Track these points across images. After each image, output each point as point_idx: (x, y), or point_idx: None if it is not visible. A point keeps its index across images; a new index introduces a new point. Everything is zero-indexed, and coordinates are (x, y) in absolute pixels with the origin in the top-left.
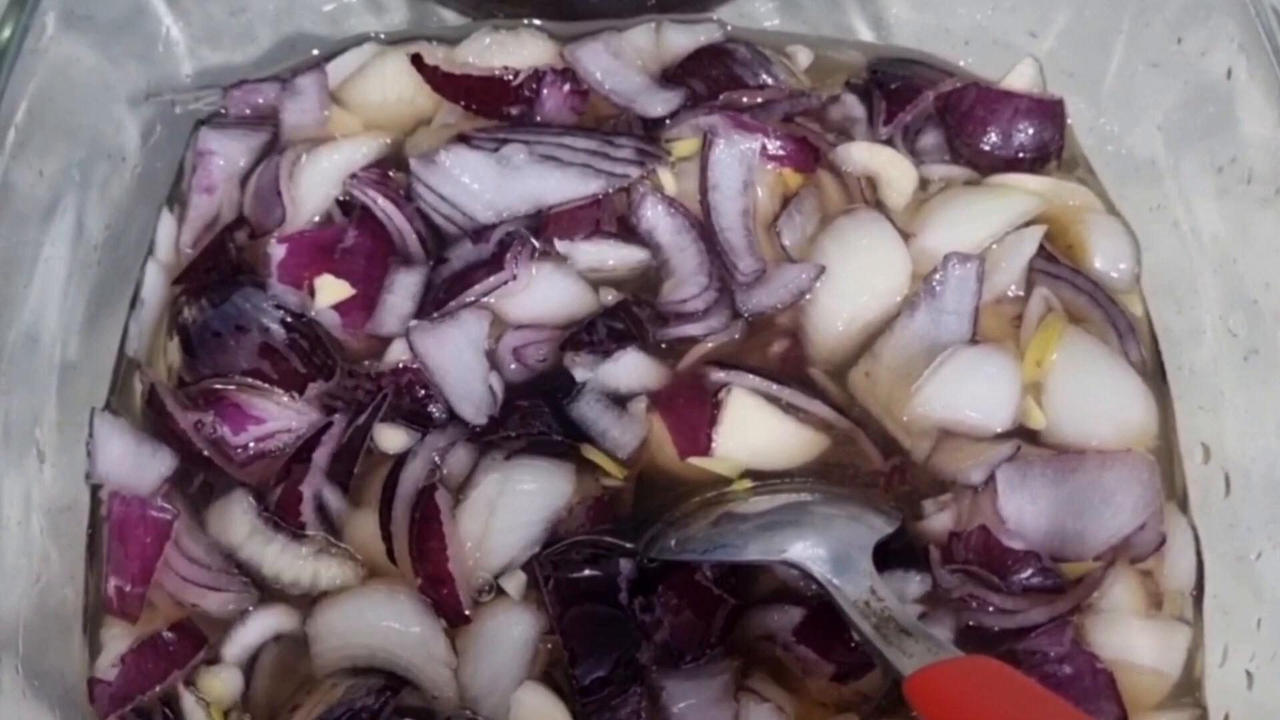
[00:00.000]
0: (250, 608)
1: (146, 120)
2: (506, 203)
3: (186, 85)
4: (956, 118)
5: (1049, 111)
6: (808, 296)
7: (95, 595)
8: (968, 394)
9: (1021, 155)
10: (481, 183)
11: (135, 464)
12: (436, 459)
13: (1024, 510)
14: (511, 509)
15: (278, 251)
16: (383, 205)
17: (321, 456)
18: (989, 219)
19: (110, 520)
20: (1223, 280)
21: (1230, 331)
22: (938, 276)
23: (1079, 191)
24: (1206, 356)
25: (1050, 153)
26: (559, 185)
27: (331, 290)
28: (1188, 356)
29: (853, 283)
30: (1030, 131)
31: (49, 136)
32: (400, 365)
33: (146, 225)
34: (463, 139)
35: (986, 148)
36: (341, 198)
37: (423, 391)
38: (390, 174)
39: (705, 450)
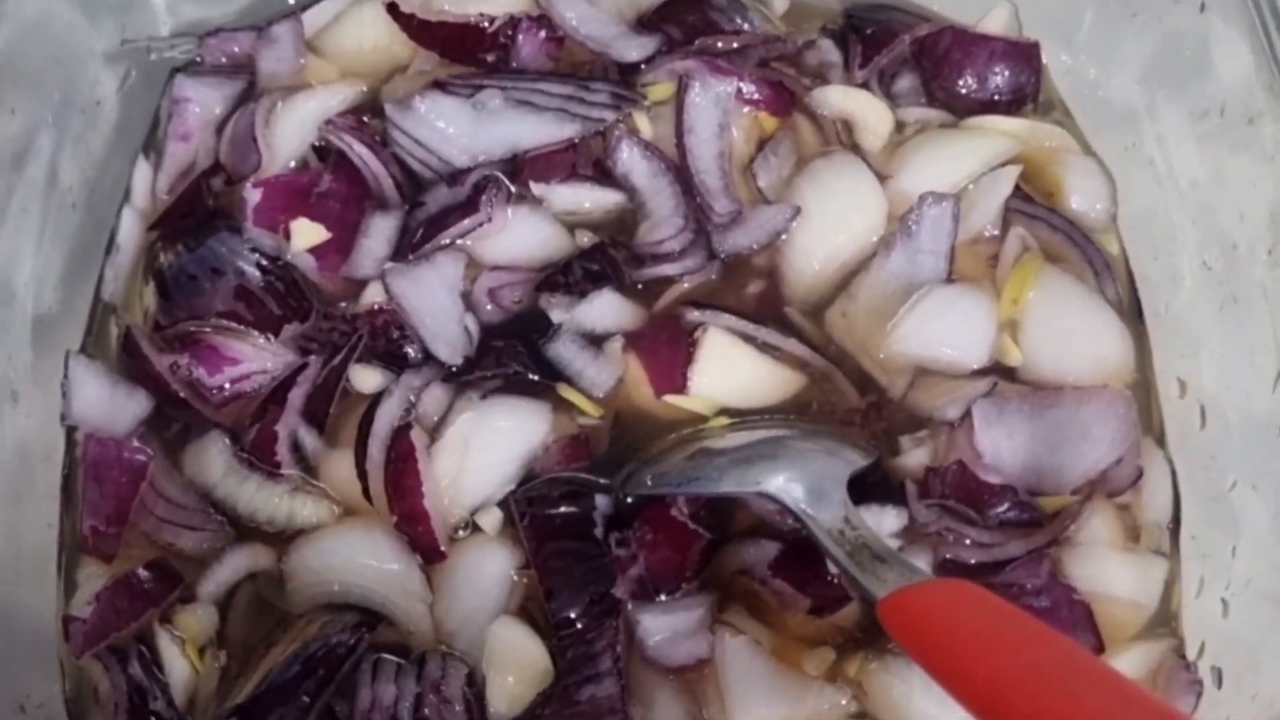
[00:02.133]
0: (226, 546)
1: (122, 69)
2: (482, 147)
3: (163, 35)
4: (932, 61)
5: (1024, 54)
6: (784, 237)
7: (71, 536)
8: (944, 331)
9: (997, 98)
10: (457, 127)
11: (110, 406)
12: (412, 398)
13: (1000, 445)
14: (487, 447)
15: (253, 196)
16: (358, 150)
17: (297, 397)
18: (965, 160)
19: (85, 462)
20: (1200, 220)
21: (1206, 266)
22: (913, 216)
23: (1055, 133)
24: (1184, 298)
25: (1026, 95)
26: (534, 129)
27: (307, 234)
28: (1165, 299)
29: (829, 223)
30: (1006, 74)
31: (23, 86)
32: (376, 307)
33: (122, 173)
34: (439, 85)
35: (962, 90)
36: (317, 144)
37: (398, 333)
38: (366, 120)
39: (681, 389)
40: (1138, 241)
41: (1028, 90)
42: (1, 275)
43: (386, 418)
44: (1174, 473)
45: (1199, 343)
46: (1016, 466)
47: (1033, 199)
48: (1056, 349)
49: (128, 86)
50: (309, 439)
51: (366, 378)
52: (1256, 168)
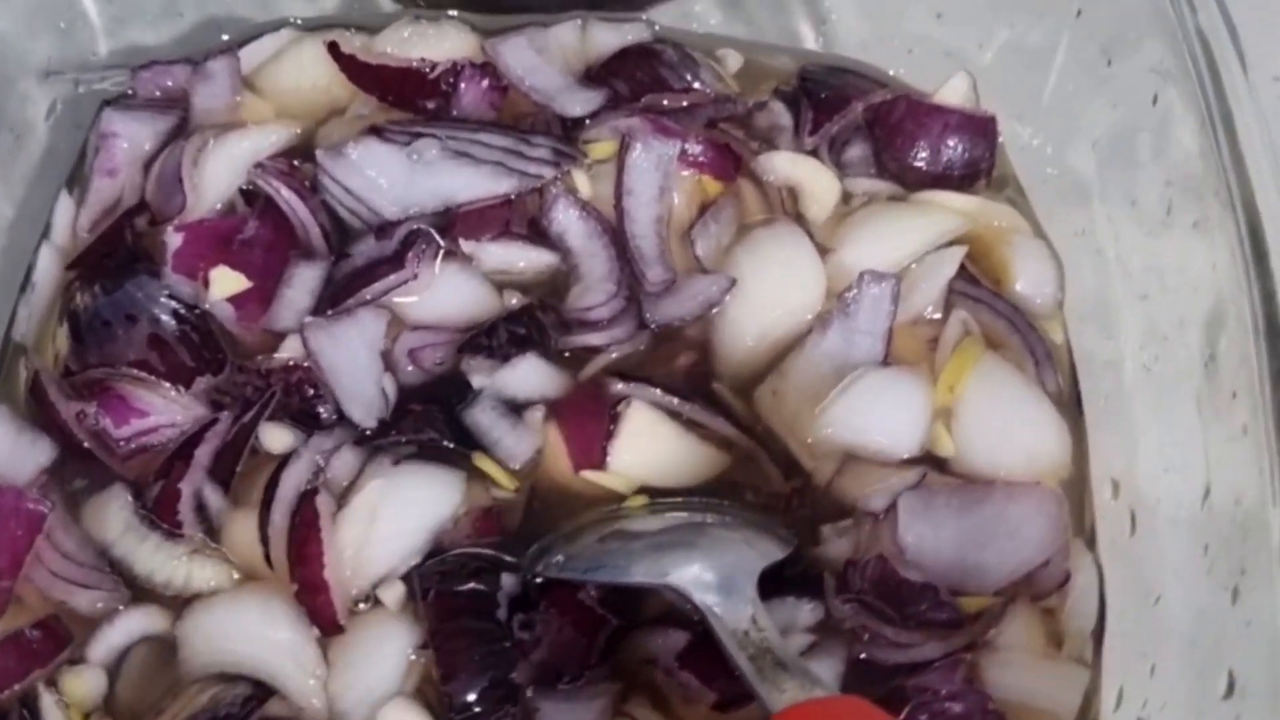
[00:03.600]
0: (120, 607)
1: (51, 98)
2: (415, 199)
3: (95, 64)
4: (885, 130)
5: (980, 128)
6: (716, 309)
7: None
8: (875, 417)
9: (950, 172)
10: (390, 178)
11: (13, 453)
12: (320, 461)
13: (924, 540)
14: (395, 517)
15: (174, 240)
16: (286, 196)
17: (204, 454)
18: (910, 237)
19: None
20: (1143, 318)
21: (1145, 367)
22: (852, 294)
23: (1006, 213)
24: (1124, 395)
25: (980, 171)
26: (470, 183)
27: (227, 282)
28: (1105, 393)
29: (765, 297)
30: (960, 148)
31: None
32: (291, 363)
33: (44, 206)
34: (375, 131)
35: (914, 163)
36: (245, 187)
37: (312, 391)
38: (297, 164)
39: (600, 464)
40: (1083, 331)
41: (982, 165)
42: None
43: (292, 481)
44: (1101, 578)
45: (1135, 444)
46: (940, 564)
47: (978, 281)
48: (991, 441)
49: (55, 117)
50: (213, 498)
51: (276, 437)
52: (1198, 272)
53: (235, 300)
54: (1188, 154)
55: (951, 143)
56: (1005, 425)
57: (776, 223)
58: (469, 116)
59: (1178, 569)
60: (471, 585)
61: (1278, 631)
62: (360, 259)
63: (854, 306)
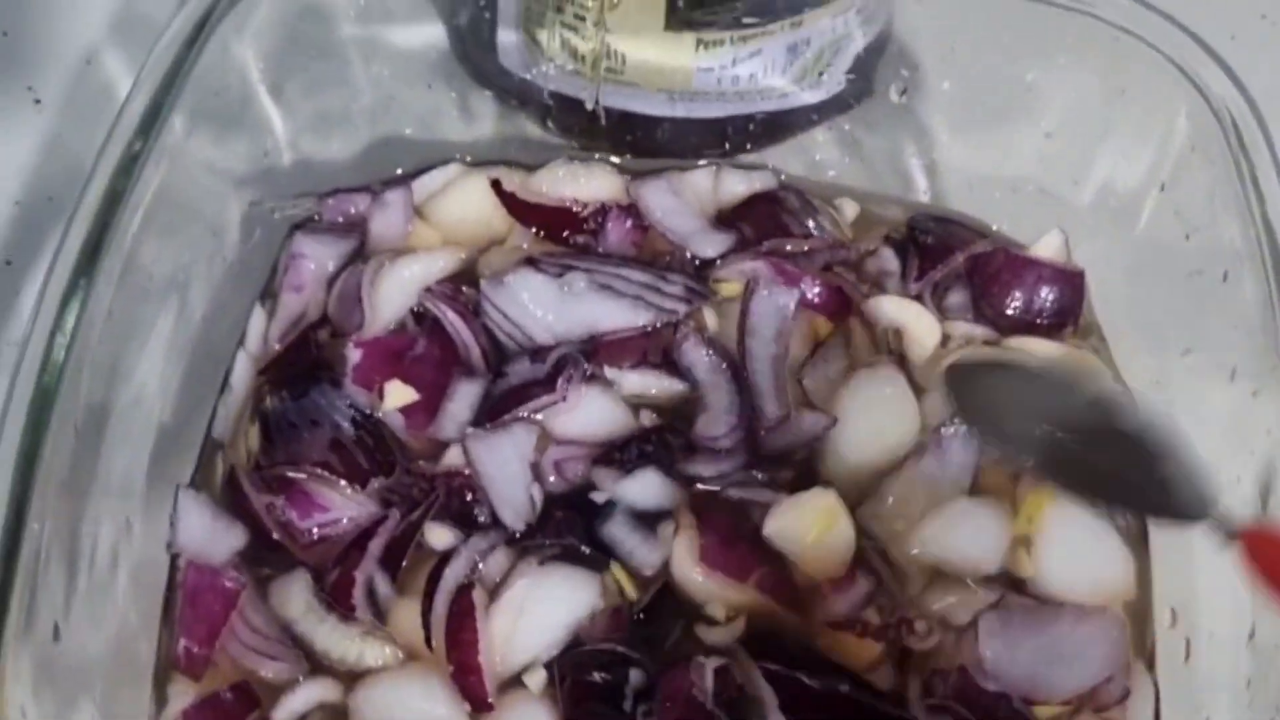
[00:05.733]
0: (301, 677)
1: (249, 219)
2: (564, 326)
3: (286, 195)
4: (983, 279)
5: (1070, 281)
6: (820, 441)
7: (166, 652)
8: (961, 540)
9: (1040, 320)
10: (543, 306)
11: (211, 538)
12: (477, 559)
13: (1001, 654)
14: (539, 612)
15: (354, 355)
16: (451, 319)
17: (376, 546)
18: None
19: (185, 586)
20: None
21: None
22: (947, 431)
23: (1088, 359)
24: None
25: (1068, 320)
26: (612, 314)
27: (399, 395)
28: (1168, 530)
29: (863, 432)
30: (1050, 299)
31: (166, 226)
32: (453, 469)
33: (241, 316)
34: (531, 262)
35: (1008, 310)
36: (415, 308)
37: (470, 495)
38: (462, 289)
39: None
40: None
41: (1070, 315)
42: (137, 395)
43: (453, 576)
44: (1157, 696)
45: (1194, 580)
46: (1015, 676)
47: None
48: (1064, 568)
49: (254, 239)
50: (383, 586)
51: (439, 535)
52: (1254, 435)
53: (405, 410)
54: (1251, 328)
55: (1043, 294)
56: (1077, 555)
57: (879, 367)
58: (613, 252)
59: (1223, 697)
60: (603, 676)
61: None
62: (515, 378)
63: (949, 443)
